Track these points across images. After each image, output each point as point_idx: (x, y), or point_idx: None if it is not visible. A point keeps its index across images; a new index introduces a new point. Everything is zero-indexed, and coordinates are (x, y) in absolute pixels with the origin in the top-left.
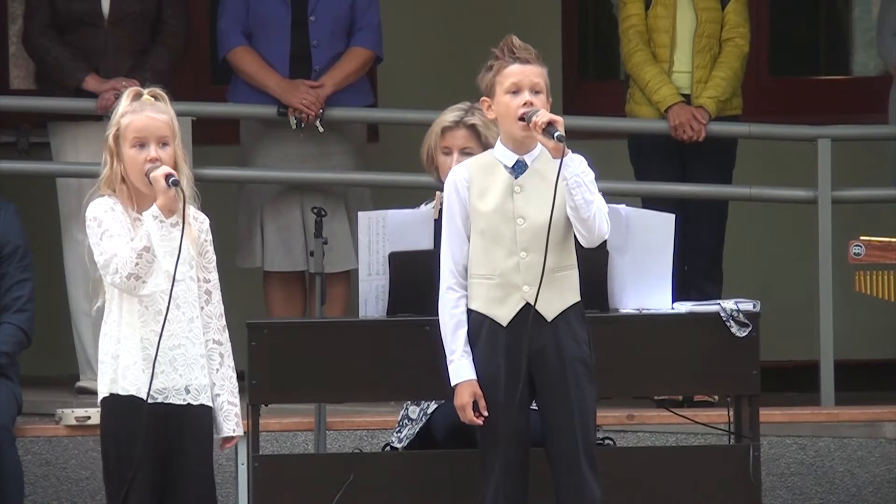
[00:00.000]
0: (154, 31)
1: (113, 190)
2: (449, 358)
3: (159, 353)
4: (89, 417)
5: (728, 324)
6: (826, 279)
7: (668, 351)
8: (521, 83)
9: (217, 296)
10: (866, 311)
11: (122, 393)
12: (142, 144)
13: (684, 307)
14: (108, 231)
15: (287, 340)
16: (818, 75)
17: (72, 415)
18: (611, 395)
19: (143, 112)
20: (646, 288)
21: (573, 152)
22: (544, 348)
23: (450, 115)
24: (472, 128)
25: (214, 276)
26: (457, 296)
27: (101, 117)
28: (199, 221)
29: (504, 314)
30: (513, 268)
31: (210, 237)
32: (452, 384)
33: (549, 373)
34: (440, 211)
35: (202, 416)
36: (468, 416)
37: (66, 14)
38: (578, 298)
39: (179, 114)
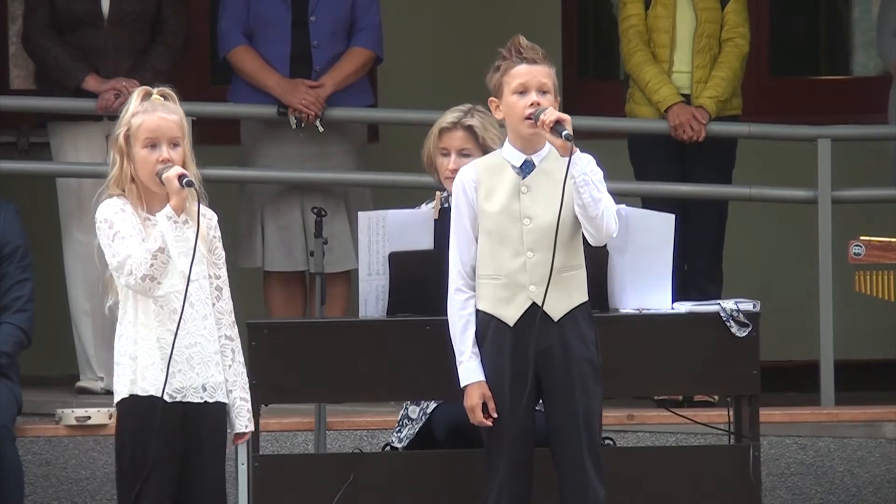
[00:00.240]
0: (154, 31)
1: (122, 190)
2: (458, 359)
3: (176, 353)
4: (89, 417)
5: (728, 324)
6: (826, 279)
7: (668, 351)
8: (528, 83)
9: (227, 292)
10: (866, 311)
11: (141, 394)
12: (153, 145)
13: (684, 307)
14: (119, 233)
15: (287, 340)
16: (818, 75)
17: (72, 415)
18: (611, 395)
19: (154, 112)
20: (646, 288)
21: (581, 151)
22: (550, 348)
23: (448, 117)
24: (470, 129)
25: (224, 272)
26: (464, 297)
27: (101, 117)
28: (207, 218)
29: (511, 314)
30: (519, 268)
31: (219, 233)
32: (462, 386)
33: (554, 373)
34: (440, 211)
35: (218, 414)
36: (477, 417)
37: (66, 14)
38: (586, 298)
39: None
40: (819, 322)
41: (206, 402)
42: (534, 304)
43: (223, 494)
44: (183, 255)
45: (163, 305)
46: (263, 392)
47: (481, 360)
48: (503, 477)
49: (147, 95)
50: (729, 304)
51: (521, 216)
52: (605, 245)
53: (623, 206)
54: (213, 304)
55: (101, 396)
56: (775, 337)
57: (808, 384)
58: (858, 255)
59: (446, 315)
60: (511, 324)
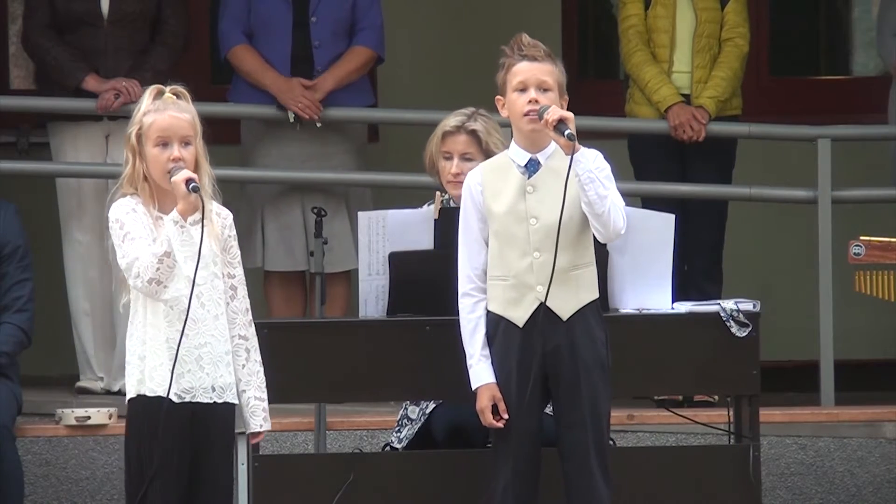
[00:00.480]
0: (154, 31)
1: (135, 189)
2: (468, 362)
3: (185, 353)
4: (89, 417)
5: (728, 324)
6: (826, 279)
7: (668, 351)
8: (527, 81)
9: (243, 291)
10: (866, 311)
11: (149, 394)
12: (165, 144)
13: (684, 307)
14: (129, 234)
15: (287, 340)
16: (818, 75)
17: (72, 415)
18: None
19: (166, 111)
20: (646, 288)
21: (589, 148)
22: (558, 348)
23: (452, 120)
24: (473, 133)
25: (239, 271)
26: (473, 300)
27: (101, 117)
28: (221, 217)
29: (519, 315)
30: (526, 268)
31: (234, 232)
32: (472, 388)
33: (562, 372)
34: (440, 211)
35: (227, 415)
36: (487, 419)
37: (66, 14)
38: (595, 296)
39: None
40: (819, 322)
41: (215, 402)
42: (542, 304)
43: (231, 496)
44: (189, 260)
45: (172, 306)
46: None
47: (491, 362)
48: (509, 477)
49: (159, 94)
50: (729, 304)
51: (528, 216)
52: (605, 245)
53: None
54: (228, 304)
55: (101, 396)
56: (775, 337)
57: (808, 384)
58: (858, 255)
59: (446, 315)
60: (520, 325)
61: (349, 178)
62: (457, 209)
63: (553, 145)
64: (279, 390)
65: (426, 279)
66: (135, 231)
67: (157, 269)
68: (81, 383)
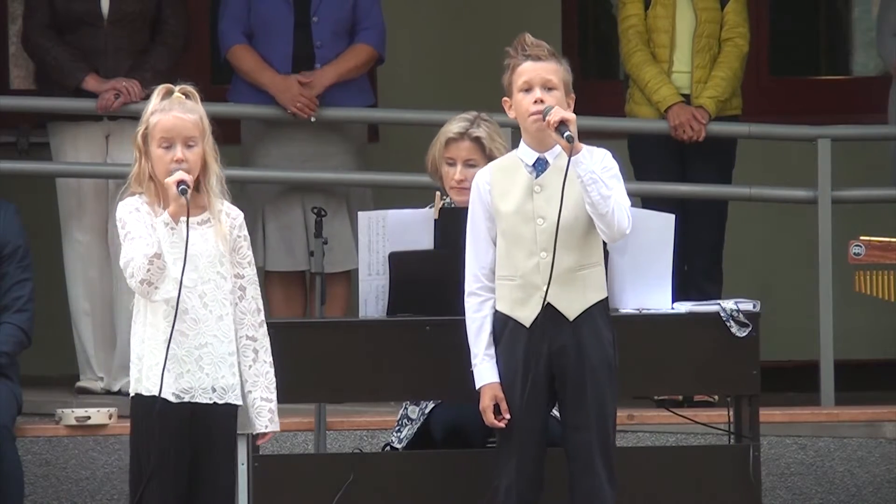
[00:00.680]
0: (154, 31)
1: (142, 188)
2: (472, 361)
3: (186, 353)
4: (89, 417)
5: (728, 324)
6: (826, 279)
7: (668, 351)
8: (531, 80)
9: (252, 291)
10: (866, 311)
11: (145, 393)
12: (168, 145)
13: (684, 307)
14: (129, 233)
15: (287, 340)
16: (818, 75)
17: (72, 415)
18: None
19: (170, 111)
20: (646, 288)
21: (597, 147)
22: (564, 348)
23: (455, 126)
24: (477, 140)
25: (249, 271)
26: (479, 300)
27: (101, 117)
28: (231, 217)
29: (526, 315)
30: (533, 268)
31: (244, 232)
32: (476, 387)
33: (568, 372)
34: (440, 211)
35: (228, 416)
36: (489, 419)
37: (66, 14)
38: (603, 296)
39: None
40: (819, 322)
41: (215, 403)
42: (549, 304)
43: (232, 496)
44: (179, 262)
45: (173, 306)
46: None
47: (497, 361)
48: (512, 477)
49: (168, 93)
50: (729, 304)
51: (535, 216)
52: (605, 245)
53: None
54: (236, 304)
55: (101, 396)
56: (775, 337)
57: (808, 384)
58: (858, 255)
59: (446, 315)
60: (527, 325)
61: (349, 178)
62: (457, 209)
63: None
64: (279, 390)
65: (426, 279)
66: (135, 231)
67: (148, 270)
68: (81, 383)
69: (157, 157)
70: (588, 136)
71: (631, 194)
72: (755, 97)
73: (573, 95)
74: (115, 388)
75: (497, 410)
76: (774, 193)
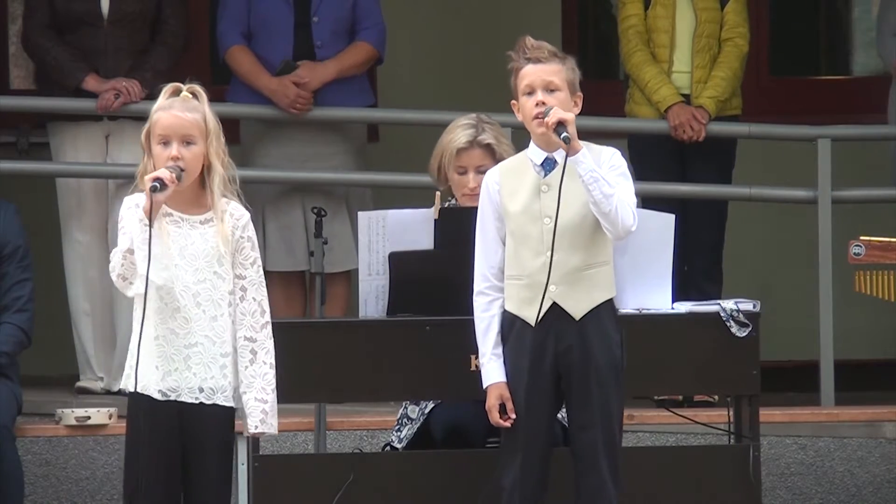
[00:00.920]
0: (154, 31)
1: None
2: (480, 360)
3: (175, 351)
4: (89, 417)
5: (728, 324)
6: (826, 279)
7: (668, 351)
8: (533, 83)
9: (254, 292)
10: (866, 311)
11: (131, 389)
12: (166, 142)
13: (684, 307)
14: (123, 228)
15: (287, 340)
16: (818, 75)
17: (72, 415)
18: None
19: (171, 110)
20: (646, 288)
21: (607, 146)
22: (570, 348)
23: (462, 136)
24: (487, 147)
25: (251, 272)
26: (487, 299)
27: (101, 117)
28: (234, 218)
29: (532, 314)
30: (540, 267)
31: (248, 233)
32: (483, 386)
33: (573, 372)
34: (440, 211)
35: (218, 417)
36: (494, 418)
37: (66, 14)
38: (611, 295)
39: None
40: (819, 322)
41: (201, 403)
42: (554, 303)
43: (226, 497)
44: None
45: (167, 302)
46: None
47: (505, 361)
48: (517, 476)
49: (176, 92)
50: (729, 304)
51: (542, 215)
52: None
53: None
54: (237, 305)
55: (101, 396)
56: (775, 337)
57: (808, 384)
58: (858, 255)
59: (446, 315)
60: (533, 323)
61: (349, 178)
62: (457, 209)
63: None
64: (279, 390)
65: (426, 279)
66: (128, 226)
67: (122, 264)
68: (81, 383)
69: (157, 154)
70: (588, 136)
71: None
72: (755, 97)
73: (580, 94)
74: (115, 388)
75: (503, 410)
76: (774, 193)
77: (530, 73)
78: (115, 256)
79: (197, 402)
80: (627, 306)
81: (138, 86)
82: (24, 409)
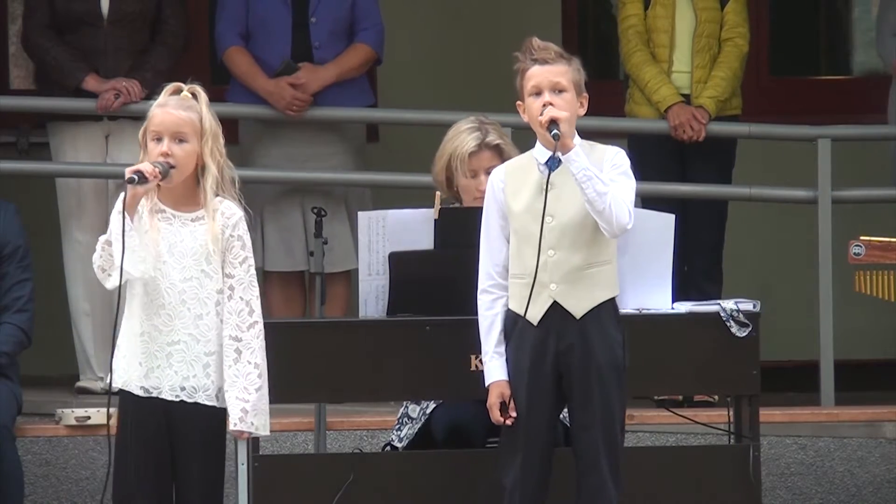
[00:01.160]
0: (154, 31)
1: None
2: (483, 359)
3: (157, 348)
4: (89, 417)
5: (728, 324)
6: (826, 279)
7: (668, 351)
8: (540, 84)
9: (241, 292)
10: (866, 311)
11: (115, 385)
12: (159, 138)
13: (684, 307)
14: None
15: (287, 340)
16: (818, 75)
17: (72, 415)
18: None
19: (165, 107)
20: (646, 288)
21: (610, 145)
22: (571, 347)
23: (470, 140)
24: (497, 148)
25: (240, 271)
26: (491, 298)
27: (101, 117)
28: (225, 216)
29: (534, 313)
30: (541, 266)
31: (239, 232)
32: (485, 384)
33: (574, 372)
34: (440, 211)
35: (201, 416)
36: (495, 416)
37: (66, 14)
38: (613, 294)
39: None
40: (819, 322)
41: (182, 401)
42: (556, 302)
43: (212, 496)
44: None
45: (153, 299)
46: None
47: (507, 359)
48: (517, 475)
49: (177, 91)
50: (729, 304)
51: (545, 214)
52: None
53: None
54: (225, 304)
55: (101, 396)
56: (775, 337)
57: (808, 384)
58: (858, 255)
59: (446, 315)
60: (535, 322)
61: (349, 178)
62: (457, 209)
63: (574, 145)
64: (279, 390)
65: (426, 279)
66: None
67: (101, 255)
68: (81, 383)
69: (150, 150)
70: (588, 136)
71: None
72: (755, 97)
73: (586, 95)
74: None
75: (504, 408)
76: (774, 193)
77: (537, 75)
78: (97, 248)
79: (178, 399)
80: (627, 306)
81: (138, 86)
82: (24, 409)
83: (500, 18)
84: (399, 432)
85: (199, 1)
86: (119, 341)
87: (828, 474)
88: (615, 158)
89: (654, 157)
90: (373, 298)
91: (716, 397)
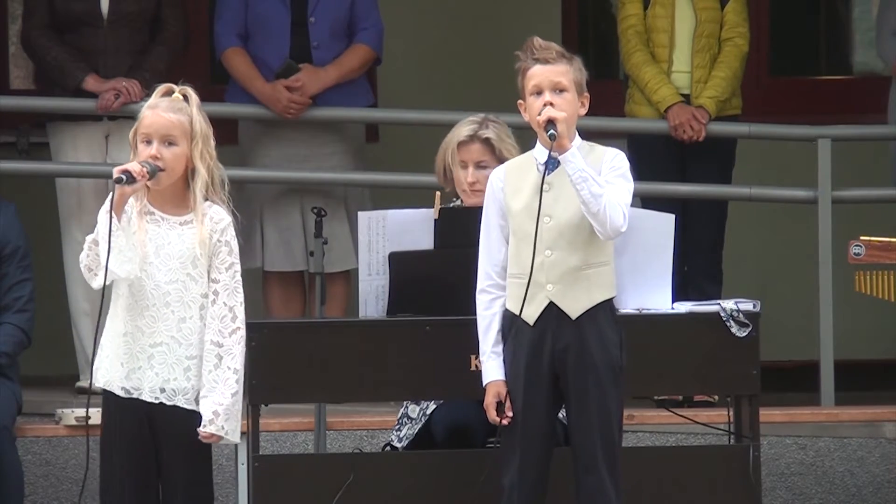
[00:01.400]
0: (153, 31)
1: None
2: (480, 359)
3: (139, 349)
4: (89, 417)
5: (728, 324)
6: (826, 279)
7: (668, 351)
8: (541, 84)
9: (225, 297)
10: (866, 311)
11: (96, 385)
12: (148, 140)
13: (684, 307)
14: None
15: (287, 340)
16: (818, 75)
17: (72, 415)
18: None
19: (155, 109)
20: (646, 288)
21: (610, 147)
22: (568, 347)
23: (464, 130)
24: (487, 141)
25: (225, 276)
26: (489, 297)
27: (101, 117)
28: (213, 221)
29: (530, 313)
30: (538, 266)
31: (226, 238)
32: (483, 384)
33: (570, 372)
34: (440, 211)
35: (180, 418)
36: (491, 416)
37: (66, 14)
38: (610, 295)
39: None
40: (819, 322)
41: (162, 403)
42: (552, 303)
43: (198, 498)
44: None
45: (138, 299)
46: (263, 392)
47: (504, 359)
48: (515, 476)
49: (168, 92)
50: (729, 304)
51: (542, 214)
52: None
53: None
54: (209, 309)
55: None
56: (775, 337)
57: (808, 384)
58: (858, 255)
59: (446, 315)
60: (531, 322)
61: (349, 178)
62: (457, 209)
63: (574, 145)
64: (279, 390)
65: (426, 279)
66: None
67: (87, 255)
68: (81, 383)
69: (140, 152)
70: (588, 137)
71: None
72: (755, 97)
73: (587, 95)
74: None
75: (501, 408)
76: (774, 193)
77: (538, 74)
78: (84, 247)
79: (157, 401)
80: (627, 306)
81: (138, 86)
82: (24, 409)
83: (500, 18)
84: (399, 432)
85: (198, 1)
86: (102, 341)
87: (828, 474)
88: (614, 160)
89: (653, 158)
90: (373, 298)
91: (716, 397)
